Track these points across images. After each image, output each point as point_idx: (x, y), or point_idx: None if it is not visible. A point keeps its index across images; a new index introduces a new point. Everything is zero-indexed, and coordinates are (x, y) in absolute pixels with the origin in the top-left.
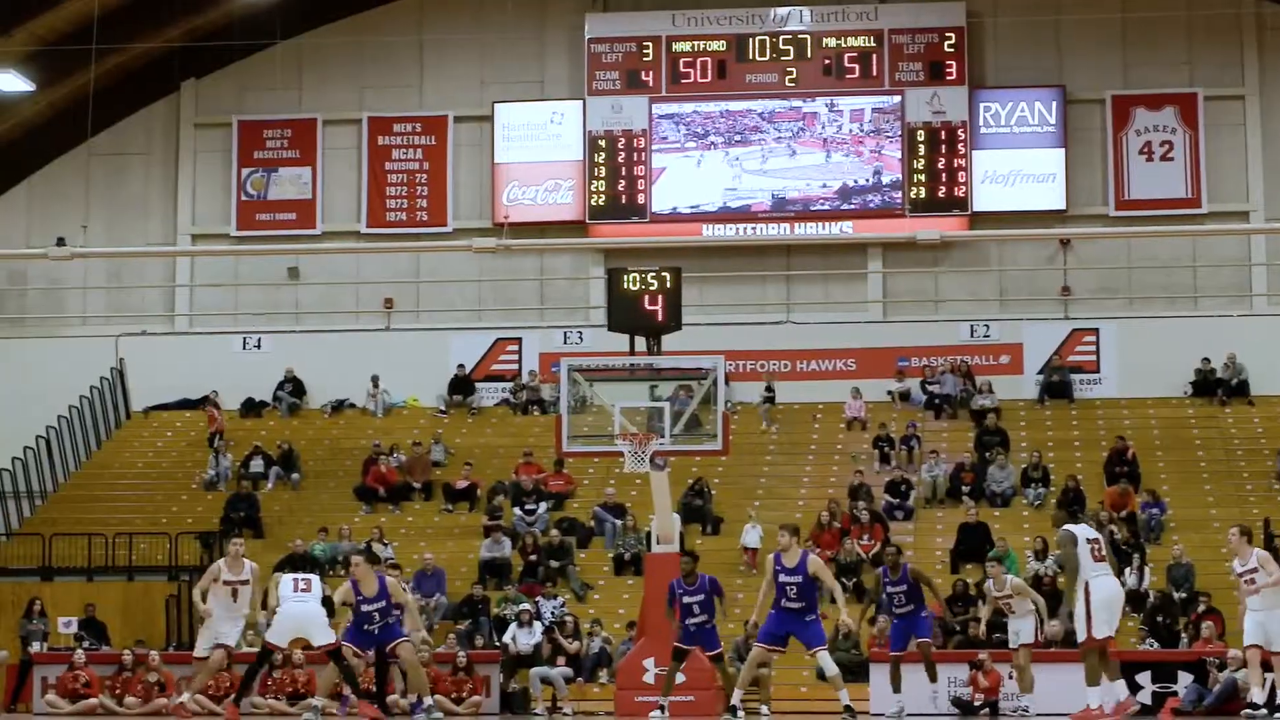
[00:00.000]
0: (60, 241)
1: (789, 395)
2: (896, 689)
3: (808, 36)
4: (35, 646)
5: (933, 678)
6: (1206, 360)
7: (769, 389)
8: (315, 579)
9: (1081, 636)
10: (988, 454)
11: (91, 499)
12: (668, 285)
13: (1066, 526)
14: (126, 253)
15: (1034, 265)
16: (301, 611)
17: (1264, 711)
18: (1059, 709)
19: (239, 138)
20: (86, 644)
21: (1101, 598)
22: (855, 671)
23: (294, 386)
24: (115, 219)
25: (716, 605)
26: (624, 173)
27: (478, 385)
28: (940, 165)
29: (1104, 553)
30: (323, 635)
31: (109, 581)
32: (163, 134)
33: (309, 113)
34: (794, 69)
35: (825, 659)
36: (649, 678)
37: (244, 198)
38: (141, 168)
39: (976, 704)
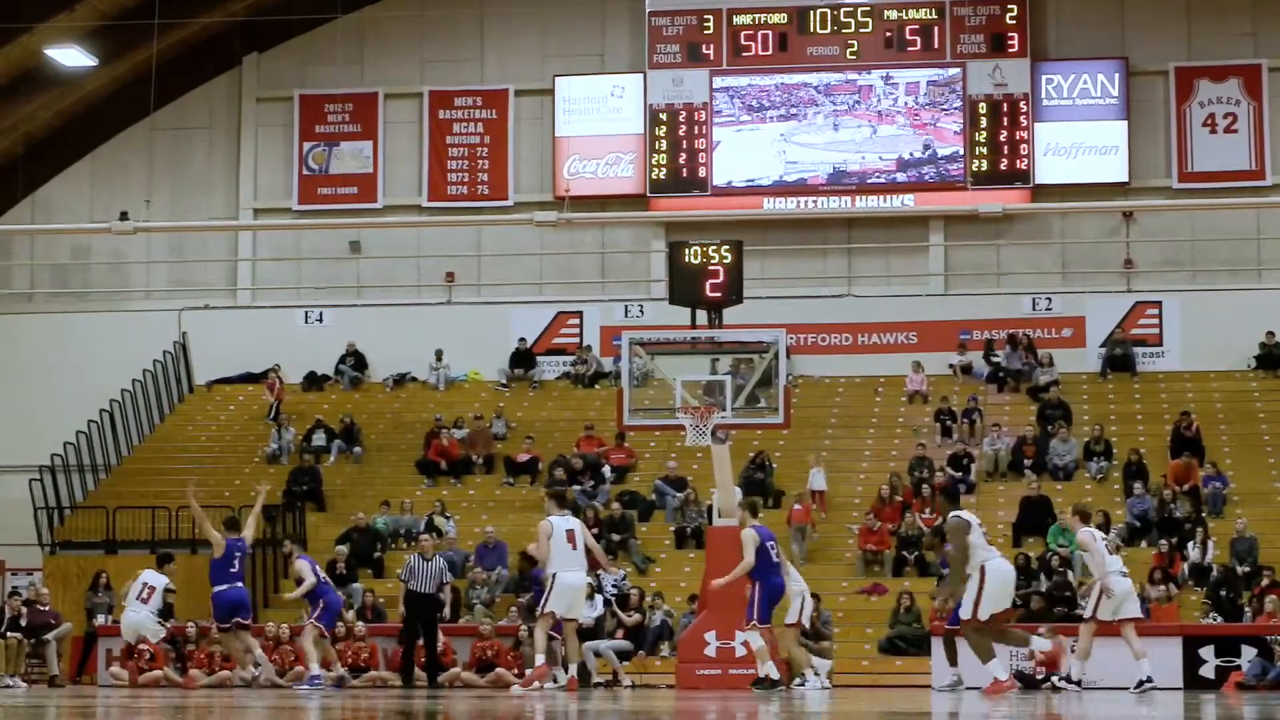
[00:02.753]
0: (123, 216)
1: (850, 369)
2: (952, 662)
3: (870, 8)
4: (100, 619)
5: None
6: (1271, 334)
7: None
8: (161, 584)
9: (966, 615)
10: (1050, 427)
11: (155, 472)
12: (729, 259)
13: (957, 513)
14: (189, 227)
15: (1097, 238)
16: (134, 620)
17: None
18: (1123, 683)
19: (300, 112)
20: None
21: (996, 581)
22: (917, 645)
23: (356, 360)
24: (178, 193)
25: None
26: (685, 146)
27: (539, 359)
28: (1002, 138)
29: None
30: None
31: (173, 553)
32: (225, 108)
33: (370, 86)
34: (855, 41)
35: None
36: (710, 651)
37: (305, 172)
38: (204, 142)
39: (1038, 677)
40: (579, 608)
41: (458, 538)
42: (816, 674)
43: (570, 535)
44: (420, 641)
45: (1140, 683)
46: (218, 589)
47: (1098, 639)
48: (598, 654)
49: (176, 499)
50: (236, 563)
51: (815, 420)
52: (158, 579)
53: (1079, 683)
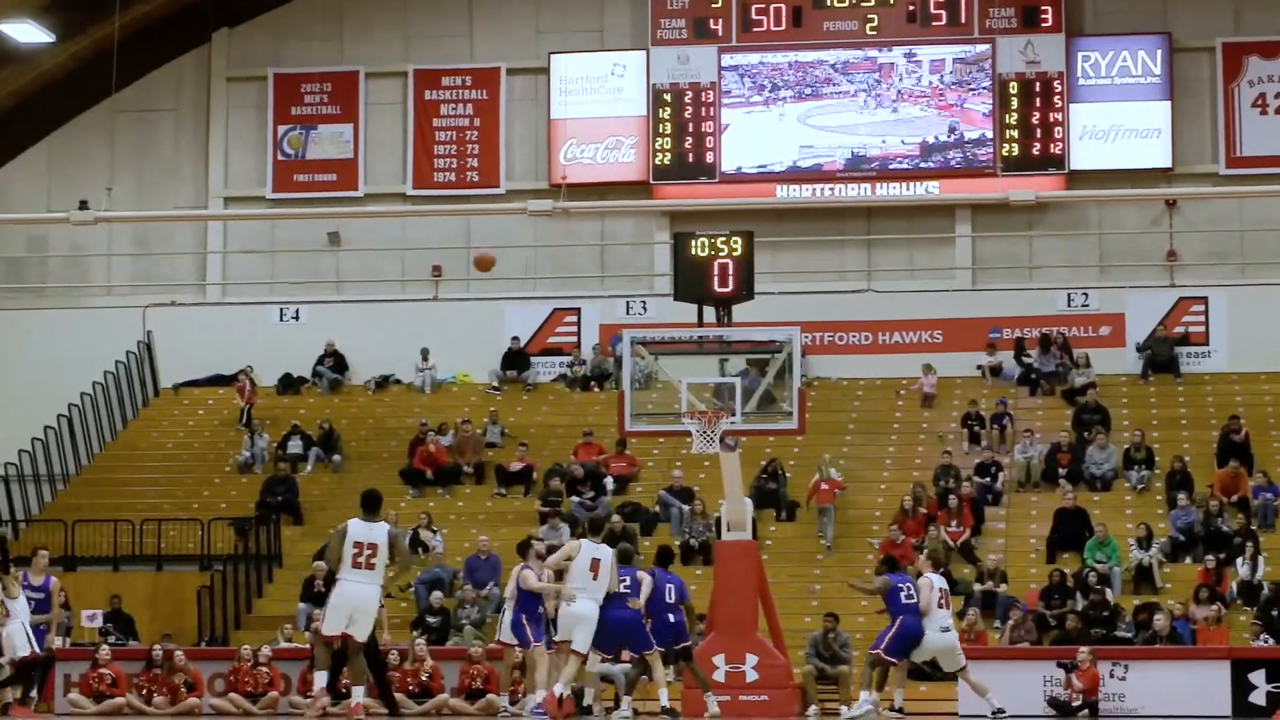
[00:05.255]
0: (83, 205)
1: (870, 370)
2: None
3: None
4: (58, 641)
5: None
6: None
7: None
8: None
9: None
10: (1086, 434)
11: (117, 482)
12: (739, 251)
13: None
14: (154, 217)
15: (1137, 228)
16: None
17: None
18: (1166, 710)
19: (275, 92)
20: (112, 639)
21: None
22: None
23: (335, 361)
24: (142, 181)
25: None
26: (691, 129)
27: (533, 359)
28: (1035, 120)
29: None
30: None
31: (136, 571)
32: (193, 89)
33: (350, 65)
34: (875, 16)
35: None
36: (720, 675)
37: (280, 157)
38: (170, 125)
39: (1075, 704)
40: (581, 638)
41: (445, 553)
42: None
43: (595, 565)
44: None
45: (995, 712)
46: None
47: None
48: (607, 679)
49: (140, 511)
50: None
51: (832, 426)
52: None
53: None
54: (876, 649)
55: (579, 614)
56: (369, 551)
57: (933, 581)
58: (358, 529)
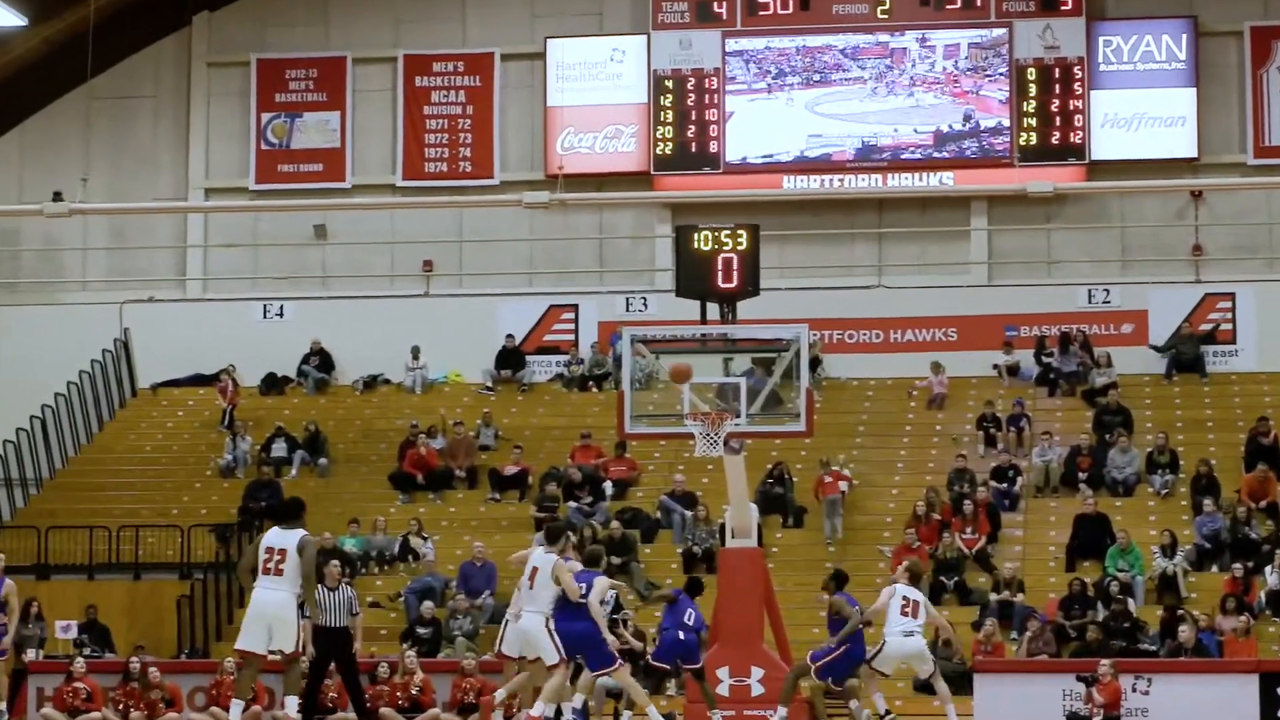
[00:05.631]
0: (57, 196)
1: (881, 369)
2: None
3: None
4: (30, 654)
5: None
6: None
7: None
8: None
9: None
10: (1108, 436)
11: (93, 487)
12: (744, 245)
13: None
14: (132, 209)
15: (1161, 221)
16: None
17: None
18: None
19: (258, 79)
20: (88, 651)
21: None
22: (956, 682)
23: (321, 360)
24: (119, 171)
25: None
26: (693, 117)
27: (528, 358)
28: (1054, 108)
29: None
30: None
31: (113, 580)
32: (173, 75)
33: (337, 50)
34: None
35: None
36: (724, 688)
37: (264, 147)
38: (149, 113)
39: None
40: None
41: (436, 560)
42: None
43: (533, 574)
44: (327, 682)
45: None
46: None
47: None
48: (613, 693)
49: (117, 517)
50: None
51: (841, 427)
52: None
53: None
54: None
55: (518, 628)
56: (278, 557)
57: (896, 590)
58: (272, 535)
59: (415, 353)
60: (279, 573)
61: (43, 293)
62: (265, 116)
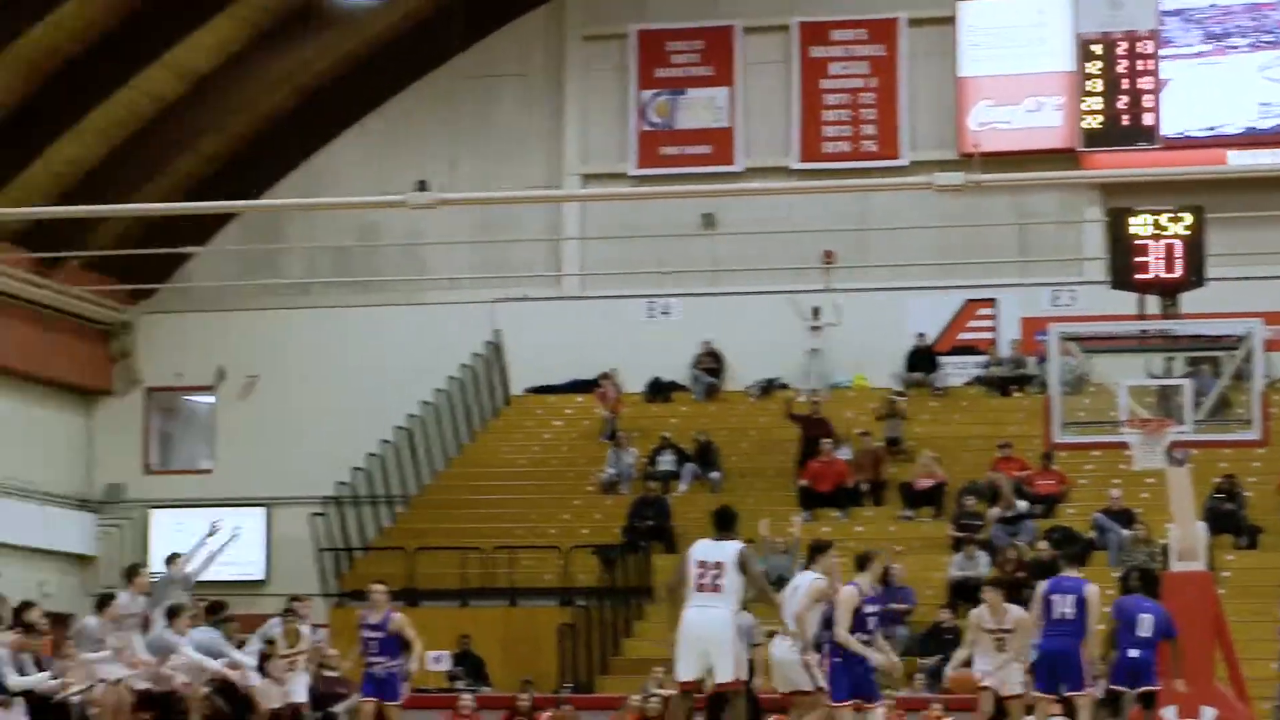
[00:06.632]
0: (421, 186)
1: None
2: None
3: None
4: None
5: None
6: None
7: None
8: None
9: None
10: None
11: (464, 504)
12: (1186, 229)
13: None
14: (501, 199)
15: None
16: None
17: None
18: None
19: (638, 52)
20: (461, 684)
21: None
22: None
23: (712, 363)
24: (486, 158)
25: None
26: (1125, 86)
27: (942, 359)
28: None
29: None
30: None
31: (487, 607)
32: (543, 50)
33: (725, 19)
34: None
35: None
36: None
37: (645, 127)
38: (518, 93)
39: None
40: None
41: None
42: None
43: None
44: None
45: None
46: None
47: None
48: None
49: (490, 538)
50: None
51: None
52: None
53: None
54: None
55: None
56: (714, 571)
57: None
58: (702, 548)
59: (815, 312)
60: (715, 589)
61: (405, 292)
62: (646, 94)
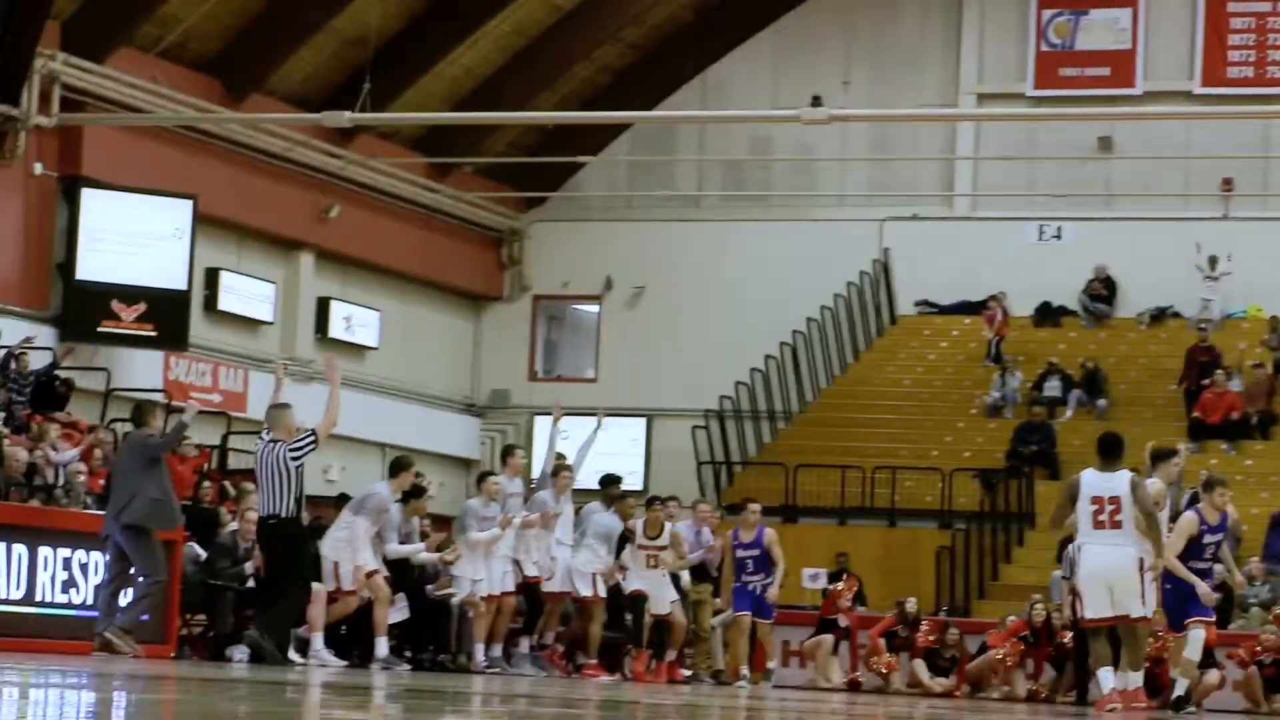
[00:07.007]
0: (815, 101)
1: None
2: None
3: None
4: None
5: None
6: None
7: None
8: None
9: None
10: None
11: (846, 423)
12: None
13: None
14: (896, 116)
15: None
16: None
17: None
18: None
19: None
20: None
21: None
22: None
23: (1103, 288)
24: (882, 74)
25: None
26: None
27: None
28: None
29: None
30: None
31: (865, 525)
32: None
33: None
34: None
35: None
36: None
37: (1045, 48)
38: (916, 9)
39: None
40: None
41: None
42: None
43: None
44: None
45: None
46: None
47: None
48: None
49: (871, 457)
50: None
51: None
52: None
53: None
54: None
55: None
56: (1110, 506)
57: None
58: (1091, 479)
59: (1213, 262)
60: (1115, 525)
61: (796, 207)
62: (1047, 14)
